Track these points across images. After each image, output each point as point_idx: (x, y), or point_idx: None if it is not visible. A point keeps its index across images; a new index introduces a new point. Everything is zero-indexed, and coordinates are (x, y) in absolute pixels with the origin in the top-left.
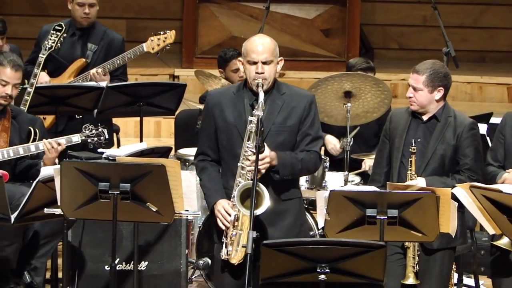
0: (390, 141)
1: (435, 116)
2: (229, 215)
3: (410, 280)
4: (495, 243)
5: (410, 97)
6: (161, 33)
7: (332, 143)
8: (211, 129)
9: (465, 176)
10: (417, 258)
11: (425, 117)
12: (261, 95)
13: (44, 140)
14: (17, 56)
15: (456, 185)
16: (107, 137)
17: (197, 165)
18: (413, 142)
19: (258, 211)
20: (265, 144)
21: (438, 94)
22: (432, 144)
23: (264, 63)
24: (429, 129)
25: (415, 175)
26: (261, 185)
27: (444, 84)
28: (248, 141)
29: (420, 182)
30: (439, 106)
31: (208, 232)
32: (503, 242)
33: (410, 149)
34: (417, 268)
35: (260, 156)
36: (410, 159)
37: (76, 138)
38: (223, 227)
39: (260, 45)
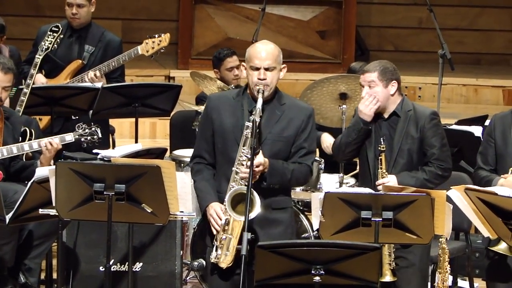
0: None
1: (395, 112)
2: (220, 219)
3: (387, 277)
4: (492, 248)
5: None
6: (156, 36)
7: (328, 141)
8: (209, 132)
9: (434, 166)
10: (393, 255)
11: (385, 115)
12: (259, 101)
13: (44, 139)
14: (8, 59)
15: (451, 187)
16: (100, 136)
17: (192, 168)
18: (382, 140)
19: (249, 216)
20: (260, 150)
21: (392, 88)
22: (396, 140)
23: (266, 69)
24: (392, 126)
25: (386, 173)
26: (252, 190)
27: (396, 77)
28: (243, 146)
29: (391, 179)
30: (397, 101)
31: (203, 234)
32: (501, 247)
33: (379, 148)
34: (394, 265)
35: (256, 162)
36: (380, 157)
37: (69, 137)
38: (214, 231)
39: (263, 52)
